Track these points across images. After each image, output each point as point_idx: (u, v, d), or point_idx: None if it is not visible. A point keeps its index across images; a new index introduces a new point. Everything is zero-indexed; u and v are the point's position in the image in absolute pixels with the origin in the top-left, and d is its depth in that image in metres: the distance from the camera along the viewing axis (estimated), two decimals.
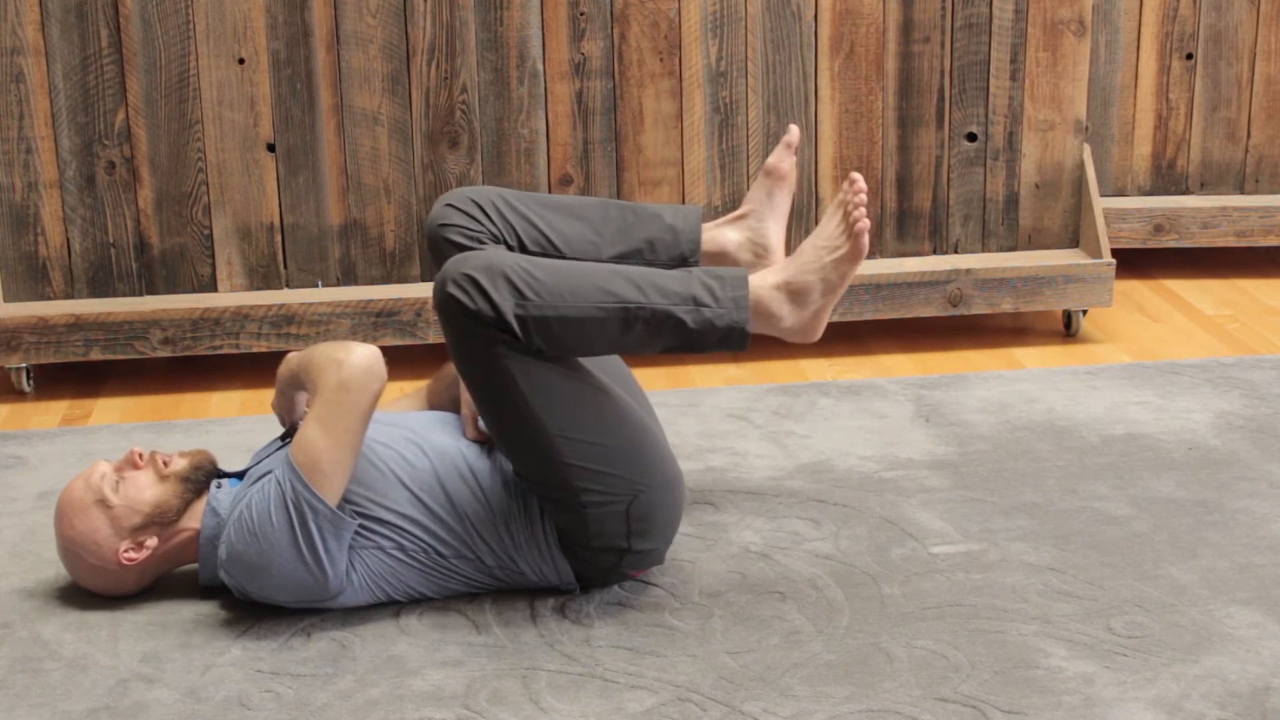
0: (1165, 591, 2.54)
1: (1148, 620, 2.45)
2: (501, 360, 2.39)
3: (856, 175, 2.48)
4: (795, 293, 2.49)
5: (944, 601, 2.52)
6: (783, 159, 2.77)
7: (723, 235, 2.77)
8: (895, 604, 2.51)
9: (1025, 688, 2.27)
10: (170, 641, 2.44)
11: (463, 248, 2.62)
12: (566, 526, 2.49)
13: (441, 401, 2.79)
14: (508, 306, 2.36)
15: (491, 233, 2.64)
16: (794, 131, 2.77)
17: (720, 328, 2.44)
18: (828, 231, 2.50)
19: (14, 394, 3.55)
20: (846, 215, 2.47)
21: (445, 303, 2.38)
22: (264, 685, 2.32)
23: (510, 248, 2.65)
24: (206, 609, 2.53)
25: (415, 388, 3.50)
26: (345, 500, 2.45)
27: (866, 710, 2.23)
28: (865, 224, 2.44)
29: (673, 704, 2.25)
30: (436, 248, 2.65)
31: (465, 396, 2.61)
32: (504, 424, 2.44)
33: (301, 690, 2.31)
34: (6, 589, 2.62)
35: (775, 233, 2.78)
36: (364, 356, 2.42)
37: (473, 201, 2.65)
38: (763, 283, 2.48)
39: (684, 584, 2.60)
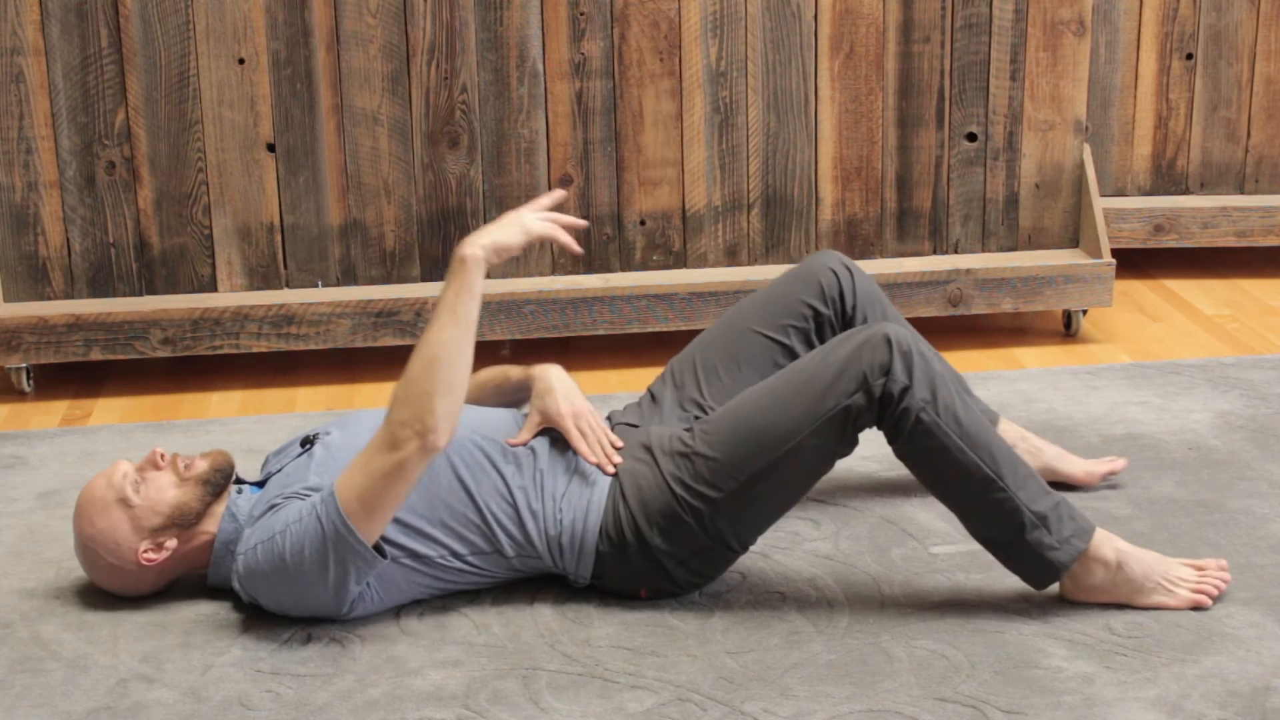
0: None
1: (1148, 620, 2.44)
2: (829, 419, 2.41)
3: (1224, 563, 2.53)
4: (1129, 578, 2.48)
5: (944, 601, 2.52)
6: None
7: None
8: (895, 604, 2.51)
9: (1025, 688, 2.27)
10: (170, 641, 2.44)
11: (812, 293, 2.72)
12: (642, 502, 2.47)
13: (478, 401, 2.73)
14: (914, 401, 2.37)
15: (832, 320, 2.71)
16: None
17: (1040, 558, 2.44)
18: (1180, 574, 2.51)
19: (14, 394, 3.55)
20: (1195, 598, 2.48)
21: (875, 339, 2.39)
22: (264, 685, 2.32)
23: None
24: (206, 609, 2.53)
25: None
26: None
27: (866, 710, 2.23)
28: (1208, 601, 2.47)
29: (673, 704, 2.25)
30: (808, 268, 2.73)
31: (539, 406, 2.57)
32: (739, 436, 2.44)
33: (301, 690, 2.30)
34: (6, 589, 2.62)
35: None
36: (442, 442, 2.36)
37: (858, 305, 2.72)
38: (1107, 541, 2.47)
39: None
